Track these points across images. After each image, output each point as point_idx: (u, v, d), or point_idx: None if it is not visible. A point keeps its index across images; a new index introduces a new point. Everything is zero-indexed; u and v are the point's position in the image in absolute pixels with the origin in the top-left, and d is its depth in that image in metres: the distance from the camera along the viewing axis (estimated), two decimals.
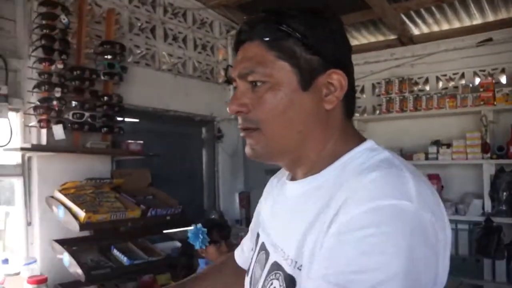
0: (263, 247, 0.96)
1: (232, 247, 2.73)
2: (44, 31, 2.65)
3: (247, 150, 0.89)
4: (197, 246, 2.47)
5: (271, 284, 0.84)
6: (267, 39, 0.83)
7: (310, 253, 0.76)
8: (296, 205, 0.88)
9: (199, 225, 2.49)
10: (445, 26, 4.12)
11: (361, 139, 0.87)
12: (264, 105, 0.83)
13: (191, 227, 2.49)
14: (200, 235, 2.45)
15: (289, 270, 0.80)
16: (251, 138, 0.87)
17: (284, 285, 0.80)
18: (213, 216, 3.90)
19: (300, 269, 0.78)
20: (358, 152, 0.83)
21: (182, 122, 3.94)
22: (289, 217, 0.88)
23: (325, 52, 0.83)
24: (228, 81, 3.98)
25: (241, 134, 0.89)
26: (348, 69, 0.86)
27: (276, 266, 0.85)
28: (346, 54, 0.88)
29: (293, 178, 0.94)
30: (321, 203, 0.78)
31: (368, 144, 0.85)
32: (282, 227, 0.90)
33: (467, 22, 4.00)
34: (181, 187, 3.82)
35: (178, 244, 3.18)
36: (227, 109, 0.88)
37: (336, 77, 0.83)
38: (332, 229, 0.70)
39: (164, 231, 3.37)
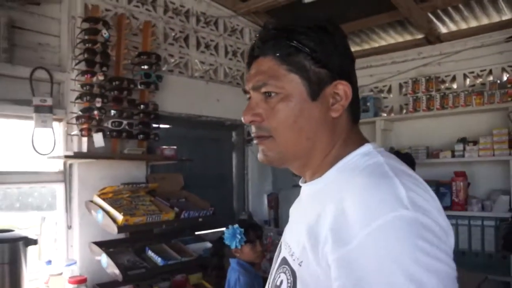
0: (280, 244, 1.05)
1: (264, 246, 2.84)
2: (87, 45, 2.81)
3: (260, 156, 0.96)
4: (233, 246, 2.54)
5: (279, 277, 0.92)
6: (279, 54, 0.90)
7: (309, 251, 0.82)
8: (303, 206, 0.97)
9: (236, 226, 2.56)
10: (473, 23, 4.11)
11: (361, 143, 0.92)
12: (277, 115, 0.90)
13: (228, 228, 2.57)
14: (237, 235, 2.53)
15: (293, 265, 0.88)
16: (264, 145, 0.94)
17: (292, 279, 0.87)
18: (242, 217, 4.03)
19: (300, 265, 0.85)
20: (355, 156, 0.89)
21: (213, 127, 4.06)
22: (297, 217, 0.98)
23: (331, 65, 0.90)
24: None
25: (255, 142, 0.96)
26: (351, 79, 0.93)
27: (284, 261, 0.93)
28: (349, 66, 0.95)
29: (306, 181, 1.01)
30: (321, 205, 0.83)
31: (365, 148, 0.91)
32: (292, 226, 0.99)
33: (496, 18, 3.98)
34: (212, 190, 3.94)
35: (210, 245, 3.31)
36: (242, 118, 0.95)
37: (342, 87, 0.91)
38: (338, 251, 0.74)
39: (196, 233, 3.51)
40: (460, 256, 3.93)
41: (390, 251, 0.70)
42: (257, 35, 0.96)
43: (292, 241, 0.92)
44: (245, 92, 0.98)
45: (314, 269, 0.80)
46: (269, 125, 0.92)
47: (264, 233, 3.65)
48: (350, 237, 0.73)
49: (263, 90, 0.91)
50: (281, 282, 0.91)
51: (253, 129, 0.95)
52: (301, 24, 0.91)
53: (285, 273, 0.91)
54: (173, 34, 3.59)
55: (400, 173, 0.81)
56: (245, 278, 2.50)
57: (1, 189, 2.79)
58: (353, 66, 0.97)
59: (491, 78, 4.10)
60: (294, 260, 0.88)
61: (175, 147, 3.32)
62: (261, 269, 3.27)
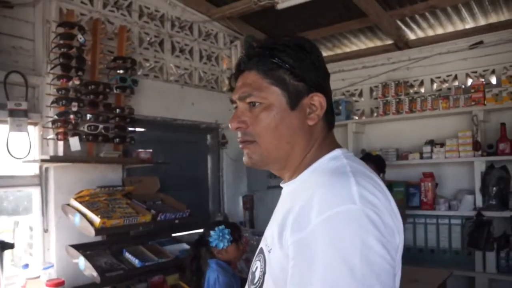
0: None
1: (243, 245, 2.92)
2: (63, 50, 2.82)
3: (245, 159, 1.08)
4: (220, 246, 2.60)
5: (255, 264, 1.05)
6: (262, 69, 1.03)
7: (276, 239, 0.95)
8: (280, 203, 1.10)
9: (222, 227, 2.63)
10: (439, 30, 4.33)
11: (333, 148, 1.06)
12: (260, 122, 1.02)
13: (215, 230, 2.61)
14: (226, 236, 2.60)
15: (265, 252, 1.01)
16: (249, 149, 1.06)
17: (263, 265, 1.00)
18: (218, 219, 4.07)
19: (270, 252, 0.98)
20: (325, 159, 1.03)
21: (188, 130, 4.10)
22: (275, 214, 1.10)
23: (308, 79, 1.03)
24: (232, 89, 4.15)
25: (240, 146, 1.07)
26: (326, 92, 1.07)
27: (260, 251, 1.05)
28: (324, 80, 1.08)
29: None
30: (293, 201, 0.95)
31: (334, 152, 1.04)
32: (270, 222, 1.10)
33: (459, 26, 4.20)
34: (188, 192, 3.98)
35: (186, 246, 3.35)
36: (229, 125, 1.07)
37: (317, 99, 1.04)
38: (295, 235, 0.87)
39: (173, 235, 3.55)
40: (429, 254, 4.11)
41: (333, 238, 0.83)
42: (243, 52, 1.09)
43: (268, 234, 1.05)
44: (232, 102, 1.09)
45: (278, 253, 0.93)
46: (253, 131, 1.04)
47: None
48: (306, 224, 0.86)
49: (248, 100, 1.04)
50: (256, 268, 1.04)
51: (239, 134, 1.07)
52: (282, 43, 1.05)
53: (259, 260, 1.03)
54: (148, 38, 3.63)
55: (359, 174, 0.93)
56: (224, 277, 2.56)
57: None
58: (328, 80, 1.10)
59: (456, 83, 4.29)
60: (267, 248, 1.01)
61: (150, 150, 3.35)
62: (237, 269, 3.33)
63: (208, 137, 4.35)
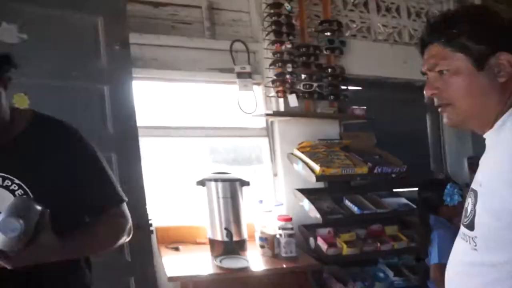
0: None
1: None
2: (273, 18, 3.21)
3: (445, 120, 1.20)
4: (454, 202, 2.69)
5: (467, 201, 1.14)
6: (443, 40, 1.14)
7: (495, 177, 1.06)
8: (489, 151, 1.18)
9: (451, 183, 2.75)
10: None
11: None
12: (451, 87, 1.14)
13: (448, 187, 2.72)
14: (456, 193, 2.70)
15: (475, 187, 1.11)
16: (446, 112, 1.18)
17: (474, 199, 1.09)
18: (440, 178, 3.93)
19: (481, 186, 1.08)
20: None
21: (401, 89, 4.07)
22: (483, 161, 1.17)
23: (488, 41, 1.11)
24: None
25: (439, 110, 1.20)
26: None
27: (470, 190, 1.14)
28: (509, 39, 1.13)
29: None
30: (501, 144, 1.09)
31: None
32: (479, 168, 1.17)
33: None
34: (404, 150, 3.88)
35: (405, 200, 3.36)
36: (424, 92, 1.20)
37: (504, 57, 1.10)
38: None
39: (392, 189, 3.58)
40: None
41: None
42: (423, 29, 1.23)
43: (478, 175, 1.14)
44: (423, 73, 1.24)
45: (496, 186, 1.04)
46: (447, 95, 1.15)
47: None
48: None
49: (437, 69, 1.16)
50: (468, 204, 1.14)
51: (435, 100, 1.20)
52: (458, 14, 1.19)
53: (470, 197, 1.12)
54: (352, 0, 3.76)
55: None
56: (447, 233, 2.56)
57: (219, 143, 3.43)
58: None
59: None
60: (477, 185, 1.10)
61: (365, 107, 3.48)
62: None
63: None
